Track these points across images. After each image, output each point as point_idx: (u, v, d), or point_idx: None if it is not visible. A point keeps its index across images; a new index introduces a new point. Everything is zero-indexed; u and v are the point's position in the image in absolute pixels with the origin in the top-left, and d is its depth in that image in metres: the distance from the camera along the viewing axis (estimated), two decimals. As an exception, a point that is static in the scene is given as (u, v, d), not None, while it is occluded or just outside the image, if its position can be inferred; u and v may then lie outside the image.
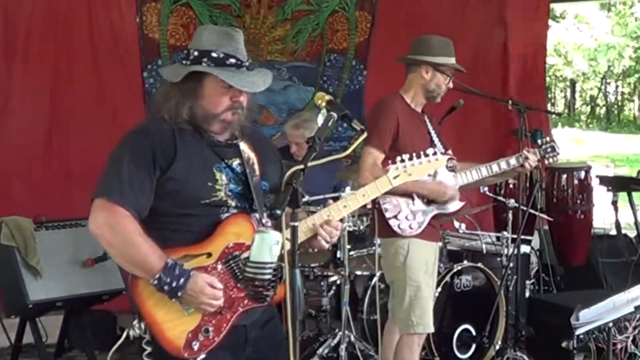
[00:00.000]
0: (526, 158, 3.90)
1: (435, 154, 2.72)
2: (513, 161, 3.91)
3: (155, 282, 2.31)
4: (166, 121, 2.42)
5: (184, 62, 2.46)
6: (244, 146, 2.54)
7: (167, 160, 2.38)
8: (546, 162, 4.05)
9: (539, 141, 4.11)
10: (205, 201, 2.41)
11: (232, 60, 2.42)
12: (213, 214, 2.43)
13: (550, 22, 20.93)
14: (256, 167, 2.56)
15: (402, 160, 2.68)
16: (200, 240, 2.42)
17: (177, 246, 2.39)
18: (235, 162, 2.50)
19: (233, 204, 2.46)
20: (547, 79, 24.20)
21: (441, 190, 3.69)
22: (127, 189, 2.34)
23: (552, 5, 19.01)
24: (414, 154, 2.70)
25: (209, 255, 2.41)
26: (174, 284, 2.31)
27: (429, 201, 3.74)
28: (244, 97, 2.47)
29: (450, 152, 3.93)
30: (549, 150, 4.04)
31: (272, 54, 6.33)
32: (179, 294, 2.32)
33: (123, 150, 2.40)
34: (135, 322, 2.40)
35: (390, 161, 3.63)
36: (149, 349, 2.39)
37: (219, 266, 2.42)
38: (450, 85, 3.85)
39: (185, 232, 2.42)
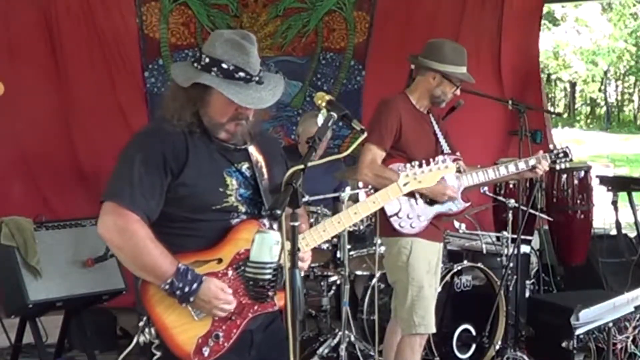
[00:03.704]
0: (539, 162, 3.87)
1: (445, 160, 2.72)
2: (522, 164, 3.89)
3: (167, 287, 2.30)
4: (174, 123, 2.39)
5: (195, 64, 2.42)
6: (252, 149, 2.52)
7: (178, 165, 2.36)
8: (557, 166, 4.03)
9: (550, 146, 4.09)
10: (217, 207, 2.40)
11: (242, 74, 2.37)
12: (223, 220, 2.42)
13: (550, 25, 20.89)
14: (264, 170, 2.54)
15: (413, 167, 2.68)
16: (210, 246, 2.41)
17: (187, 252, 2.38)
18: (244, 166, 2.49)
19: (243, 209, 2.45)
20: (547, 80, 24.36)
21: (441, 190, 3.68)
22: (138, 193, 2.31)
23: (553, 8, 18.97)
24: (424, 161, 2.71)
25: (220, 261, 2.40)
26: (186, 289, 2.30)
27: (431, 200, 3.74)
28: (250, 110, 2.44)
29: (458, 153, 3.93)
30: (561, 155, 4.01)
31: (262, 50, 6.34)
32: (191, 299, 2.32)
33: (134, 152, 2.37)
34: (141, 324, 2.39)
35: (393, 160, 3.69)
36: (158, 354, 2.38)
37: (230, 272, 2.41)
38: (457, 92, 3.83)
39: (195, 238, 2.41)
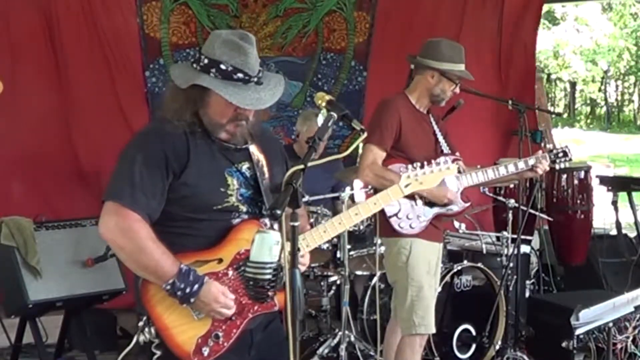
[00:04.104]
0: (540, 162, 3.87)
1: (446, 162, 2.73)
2: (521, 164, 3.89)
3: (169, 287, 2.30)
4: (174, 124, 2.39)
5: (194, 65, 2.42)
6: (253, 148, 2.52)
7: (180, 165, 2.36)
8: (557, 166, 4.03)
9: (549, 146, 4.09)
10: (218, 207, 2.40)
11: (240, 75, 2.37)
12: (224, 219, 2.42)
13: (549, 24, 20.88)
14: (265, 169, 2.54)
15: (414, 168, 2.69)
16: (211, 246, 2.41)
17: (187, 251, 2.38)
18: (245, 166, 2.49)
19: (244, 209, 2.45)
20: (547, 79, 24.36)
21: (441, 193, 3.68)
22: (139, 193, 2.31)
23: (553, 7, 18.92)
24: (425, 162, 2.71)
25: (220, 261, 2.40)
26: (187, 290, 2.30)
27: (430, 202, 3.74)
28: (250, 110, 2.44)
29: (457, 153, 3.93)
30: (560, 155, 4.01)
31: (262, 50, 6.34)
32: (192, 300, 2.31)
33: (135, 152, 2.37)
34: (140, 323, 2.39)
35: (393, 160, 3.69)
36: (158, 353, 2.38)
37: (230, 272, 2.41)
38: (457, 90, 3.83)
39: (196, 237, 2.40)
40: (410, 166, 2.70)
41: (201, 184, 2.38)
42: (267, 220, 2.48)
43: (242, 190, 2.45)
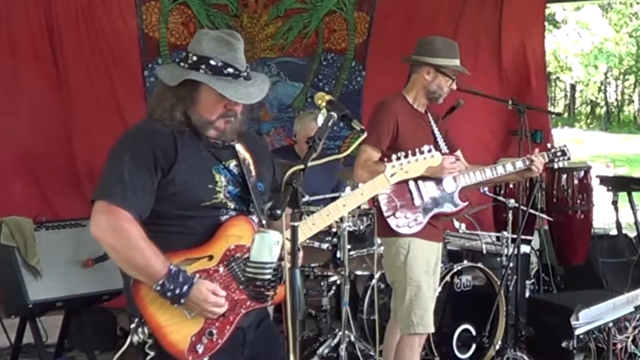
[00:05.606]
0: (532, 161, 3.88)
1: (430, 150, 2.73)
2: (519, 164, 3.89)
3: (159, 288, 2.30)
4: (164, 123, 2.40)
5: (181, 64, 2.44)
6: (239, 147, 2.54)
7: (168, 162, 2.36)
8: (555, 165, 4.03)
9: (548, 145, 4.09)
10: (206, 203, 2.41)
11: (230, 70, 2.40)
12: (213, 216, 2.43)
13: (550, 27, 20.89)
14: (252, 167, 2.56)
15: (398, 158, 2.69)
16: (200, 243, 2.41)
17: (177, 249, 2.38)
18: (232, 164, 2.50)
19: (232, 206, 2.46)
20: (547, 79, 24.35)
21: (437, 167, 3.62)
22: (129, 191, 2.31)
23: (554, 10, 18.89)
24: (410, 151, 2.72)
25: (211, 258, 2.40)
26: (177, 291, 2.30)
27: (433, 200, 3.72)
28: (239, 106, 2.46)
29: (458, 152, 3.92)
30: (558, 154, 4.01)
31: (264, 51, 6.35)
32: (182, 300, 2.31)
33: (123, 151, 2.38)
34: (132, 325, 2.38)
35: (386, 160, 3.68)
36: (152, 354, 2.37)
37: (221, 269, 2.41)
38: (454, 87, 3.82)
39: (185, 235, 2.41)
40: (394, 156, 2.71)
41: (189, 180, 2.39)
42: (254, 217, 2.49)
43: (230, 187, 2.46)
